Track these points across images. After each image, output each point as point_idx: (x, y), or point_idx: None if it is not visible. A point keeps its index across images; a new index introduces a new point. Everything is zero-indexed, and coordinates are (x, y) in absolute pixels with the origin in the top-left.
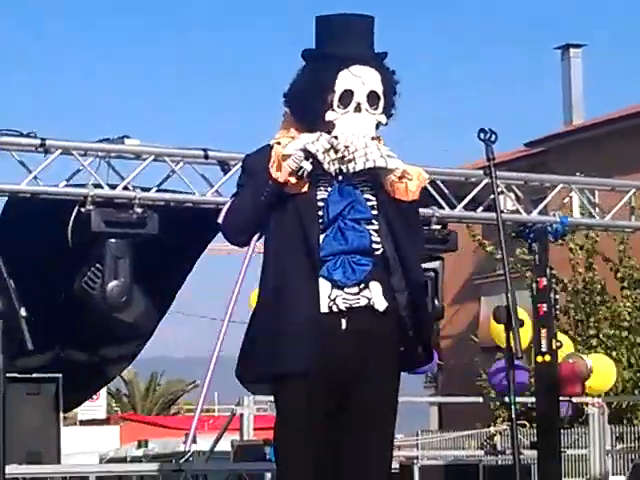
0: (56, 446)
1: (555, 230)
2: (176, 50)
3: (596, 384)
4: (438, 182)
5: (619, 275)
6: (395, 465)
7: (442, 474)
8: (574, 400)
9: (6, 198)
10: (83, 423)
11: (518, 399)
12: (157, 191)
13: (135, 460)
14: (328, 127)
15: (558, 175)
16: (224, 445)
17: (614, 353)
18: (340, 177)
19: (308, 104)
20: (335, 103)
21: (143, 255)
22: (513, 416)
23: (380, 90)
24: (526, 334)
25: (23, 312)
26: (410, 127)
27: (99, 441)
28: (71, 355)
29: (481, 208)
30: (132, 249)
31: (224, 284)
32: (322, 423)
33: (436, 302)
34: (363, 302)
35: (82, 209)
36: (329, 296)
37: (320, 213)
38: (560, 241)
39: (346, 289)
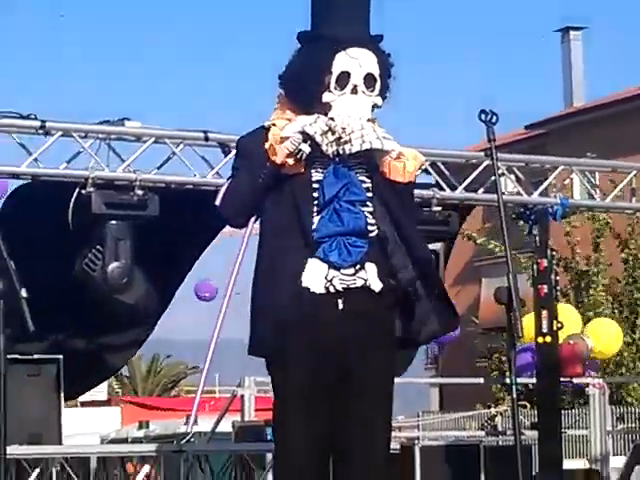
0: (57, 427)
1: (555, 212)
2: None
3: (602, 348)
4: (439, 164)
5: (622, 256)
6: (396, 446)
7: (443, 455)
8: (575, 381)
9: (20, 182)
10: (84, 404)
11: (519, 380)
12: (157, 173)
13: (136, 441)
14: (325, 108)
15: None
16: (225, 426)
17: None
18: (337, 159)
19: (304, 86)
20: (332, 85)
21: (145, 238)
22: (514, 396)
23: (377, 72)
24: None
25: (24, 293)
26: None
27: (100, 422)
28: (74, 343)
29: (482, 190)
30: (133, 231)
31: (225, 266)
32: (319, 403)
33: None
34: (359, 283)
35: (82, 191)
36: (326, 277)
37: (315, 195)
38: (564, 222)
39: (342, 270)
